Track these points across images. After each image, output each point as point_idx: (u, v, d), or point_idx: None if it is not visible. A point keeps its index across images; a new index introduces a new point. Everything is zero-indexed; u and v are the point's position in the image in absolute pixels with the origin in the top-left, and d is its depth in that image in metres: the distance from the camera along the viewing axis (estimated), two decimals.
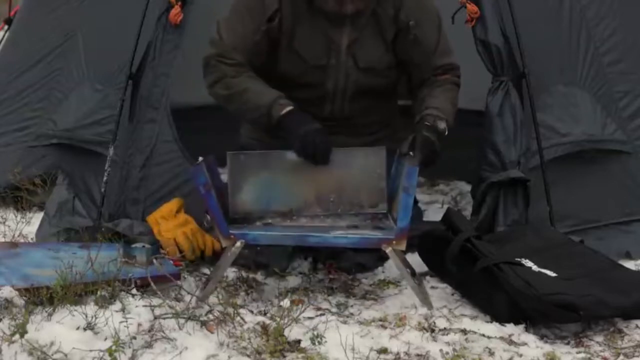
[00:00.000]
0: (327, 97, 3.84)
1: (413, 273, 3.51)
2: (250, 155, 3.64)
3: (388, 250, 3.40)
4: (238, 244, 3.41)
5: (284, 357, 3.09)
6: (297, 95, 3.71)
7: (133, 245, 3.57)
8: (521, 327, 3.33)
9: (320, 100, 3.82)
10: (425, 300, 3.48)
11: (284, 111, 3.62)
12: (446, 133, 3.61)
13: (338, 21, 3.74)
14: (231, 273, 3.70)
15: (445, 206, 4.39)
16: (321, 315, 3.39)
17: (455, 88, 3.88)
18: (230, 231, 3.42)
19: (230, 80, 3.74)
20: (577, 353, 3.21)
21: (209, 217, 3.58)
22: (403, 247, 3.42)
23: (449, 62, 3.89)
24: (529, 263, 3.45)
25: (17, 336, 3.03)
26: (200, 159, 3.46)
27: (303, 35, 3.77)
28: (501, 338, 3.27)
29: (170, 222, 3.81)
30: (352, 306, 3.49)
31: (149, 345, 3.09)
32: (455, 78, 3.89)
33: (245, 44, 3.75)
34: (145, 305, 3.26)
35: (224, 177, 3.62)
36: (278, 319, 3.23)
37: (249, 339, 3.14)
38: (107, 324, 3.10)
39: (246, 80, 3.73)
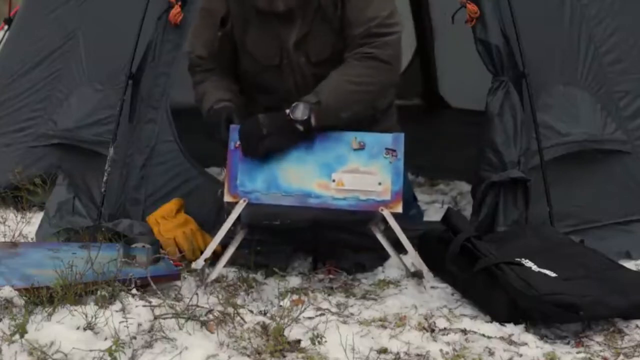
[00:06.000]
0: (291, 99, 3.67)
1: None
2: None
3: (385, 212, 3.54)
4: (241, 202, 3.54)
5: (284, 357, 3.09)
6: (262, 102, 3.78)
7: (133, 245, 3.56)
8: (521, 327, 3.33)
9: (285, 103, 3.66)
10: (415, 270, 3.63)
11: (211, 106, 3.72)
12: (306, 118, 3.58)
13: (287, 19, 3.72)
14: (231, 273, 3.70)
15: (445, 206, 4.39)
16: (321, 315, 3.38)
17: (356, 64, 3.64)
18: (238, 189, 3.56)
19: (197, 87, 3.87)
20: (577, 353, 3.20)
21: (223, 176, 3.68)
22: (399, 209, 3.57)
23: (367, 27, 3.63)
24: (529, 263, 3.44)
25: (17, 336, 3.03)
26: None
27: (254, 36, 3.78)
28: (501, 338, 3.27)
29: (170, 222, 3.81)
30: (352, 306, 3.49)
31: (149, 345, 3.09)
32: (369, 49, 3.63)
33: (212, 49, 3.83)
34: (145, 305, 3.26)
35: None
36: (278, 319, 3.23)
37: (249, 339, 3.14)
38: (107, 324, 3.10)
39: (207, 85, 3.83)
